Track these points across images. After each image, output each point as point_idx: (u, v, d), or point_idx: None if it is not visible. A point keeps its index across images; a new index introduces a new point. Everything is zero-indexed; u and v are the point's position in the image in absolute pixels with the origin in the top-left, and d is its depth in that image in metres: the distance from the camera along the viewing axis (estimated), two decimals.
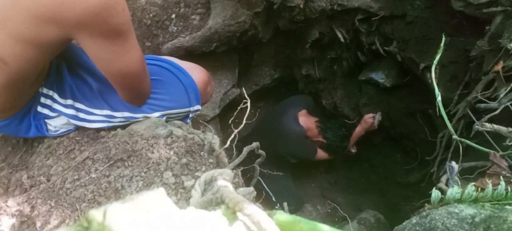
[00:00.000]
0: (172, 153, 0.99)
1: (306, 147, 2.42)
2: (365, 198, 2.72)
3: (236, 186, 0.97)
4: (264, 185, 2.20)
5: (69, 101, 1.03)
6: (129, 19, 0.83)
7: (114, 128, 1.11)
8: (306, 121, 2.42)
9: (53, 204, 0.89)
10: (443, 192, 0.95)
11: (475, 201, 0.90)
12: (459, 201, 0.91)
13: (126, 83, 0.97)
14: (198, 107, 1.20)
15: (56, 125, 1.07)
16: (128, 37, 0.85)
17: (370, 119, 2.42)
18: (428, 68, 1.90)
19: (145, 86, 1.04)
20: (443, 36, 1.18)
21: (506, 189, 0.89)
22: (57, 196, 0.91)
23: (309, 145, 2.44)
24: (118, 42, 0.84)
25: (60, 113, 1.04)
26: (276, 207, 2.38)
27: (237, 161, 1.03)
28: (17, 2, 0.72)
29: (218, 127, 2.14)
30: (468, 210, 0.86)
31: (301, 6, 1.92)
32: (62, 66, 1.02)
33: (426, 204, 0.98)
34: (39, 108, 1.02)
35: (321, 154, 2.48)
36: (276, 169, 2.02)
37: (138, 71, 0.95)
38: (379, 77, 2.40)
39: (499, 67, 1.46)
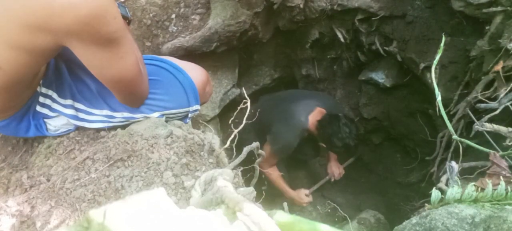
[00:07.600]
0: (172, 153, 0.99)
1: (285, 136, 2.03)
2: (365, 198, 2.72)
3: (236, 186, 0.97)
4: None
5: (69, 101, 1.03)
6: (122, 26, 0.82)
7: (114, 128, 1.11)
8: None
9: (53, 204, 0.89)
10: (443, 192, 0.95)
11: (475, 201, 0.90)
12: (459, 201, 0.91)
13: (121, 88, 0.97)
14: (197, 107, 1.20)
15: (56, 124, 1.07)
16: (121, 44, 0.84)
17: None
18: (428, 68, 1.90)
19: (141, 90, 1.03)
20: (443, 36, 1.18)
21: (506, 189, 0.89)
22: (57, 196, 0.91)
23: (288, 140, 2.04)
24: (110, 50, 0.83)
25: (60, 113, 1.04)
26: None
27: (237, 161, 1.03)
28: (8, 11, 0.73)
29: (218, 127, 2.14)
30: (468, 210, 0.86)
31: (301, 6, 1.92)
32: (61, 66, 1.02)
33: (426, 204, 0.98)
34: (38, 108, 1.02)
35: (271, 162, 2.12)
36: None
37: (132, 77, 0.94)
38: (379, 77, 2.39)
39: (499, 67, 1.47)
